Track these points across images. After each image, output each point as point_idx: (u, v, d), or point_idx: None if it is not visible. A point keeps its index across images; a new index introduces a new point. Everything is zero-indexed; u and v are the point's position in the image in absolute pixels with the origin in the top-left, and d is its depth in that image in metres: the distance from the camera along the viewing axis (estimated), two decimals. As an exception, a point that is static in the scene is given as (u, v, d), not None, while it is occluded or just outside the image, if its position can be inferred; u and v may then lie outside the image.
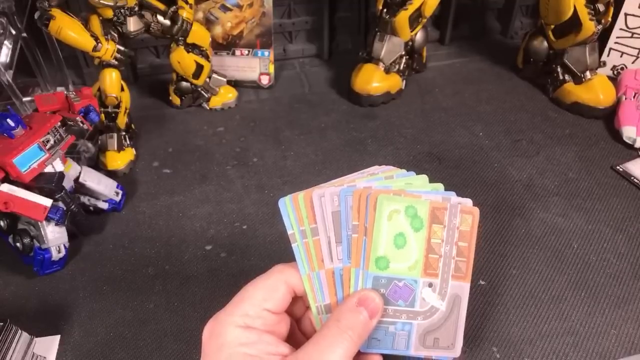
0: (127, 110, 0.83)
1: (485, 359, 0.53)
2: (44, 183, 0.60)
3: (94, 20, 0.77)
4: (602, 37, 0.90)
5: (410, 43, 0.94)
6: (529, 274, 0.61)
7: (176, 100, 0.93)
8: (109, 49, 0.77)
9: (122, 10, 0.77)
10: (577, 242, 0.65)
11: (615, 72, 0.96)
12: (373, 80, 0.91)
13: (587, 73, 0.88)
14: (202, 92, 0.92)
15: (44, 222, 0.61)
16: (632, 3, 0.90)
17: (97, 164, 0.79)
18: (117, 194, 0.72)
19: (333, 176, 0.39)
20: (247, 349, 0.33)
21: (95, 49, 0.76)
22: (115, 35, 0.79)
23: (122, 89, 0.82)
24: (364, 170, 0.39)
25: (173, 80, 0.92)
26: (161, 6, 0.80)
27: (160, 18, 0.81)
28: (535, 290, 0.60)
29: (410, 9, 0.86)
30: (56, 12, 0.72)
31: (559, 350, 0.53)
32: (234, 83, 0.98)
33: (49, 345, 0.55)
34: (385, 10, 0.89)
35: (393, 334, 0.35)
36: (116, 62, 0.79)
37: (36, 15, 0.72)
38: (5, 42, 0.81)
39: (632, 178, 0.74)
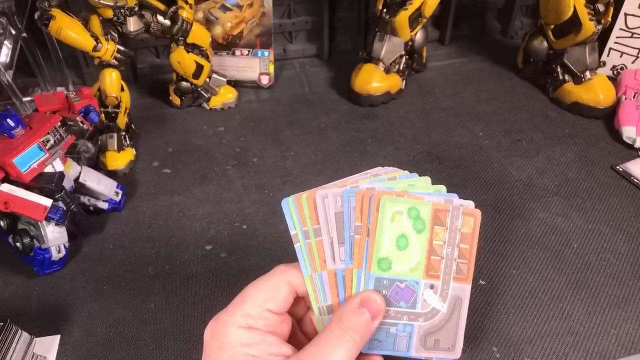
0: (127, 110, 0.83)
1: (485, 359, 0.53)
2: (44, 183, 0.60)
3: (94, 20, 0.77)
4: (602, 37, 0.90)
5: (410, 43, 0.94)
6: (529, 274, 0.61)
7: (176, 100, 0.93)
8: (109, 49, 0.77)
9: (122, 10, 0.77)
10: (577, 242, 0.65)
11: (615, 72, 0.96)
12: (373, 80, 0.91)
13: (587, 73, 0.88)
14: (202, 92, 0.92)
15: (44, 222, 0.61)
16: (632, 3, 0.90)
17: (97, 164, 0.79)
18: (117, 194, 0.72)
19: (333, 176, 0.39)
20: (249, 350, 0.33)
21: (95, 49, 0.75)
22: (115, 35, 0.79)
23: (122, 89, 0.82)
24: (367, 171, 0.39)
25: (173, 80, 0.92)
26: (161, 6, 0.80)
27: (160, 18, 0.81)
28: (535, 290, 0.60)
29: (410, 9, 0.86)
30: (56, 12, 0.71)
31: (559, 350, 0.53)
32: (234, 83, 0.98)
33: (49, 345, 0.55)
34: (385, 10, 0.89)
35: (394, 335, 0.35)
36: (116, 62, 0.79)
37: (36, 15, 0.72)
38: (5, 42, 0.81)
39: (632, 178, 0.74)
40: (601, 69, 0.90)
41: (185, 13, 0.81)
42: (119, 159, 0.78)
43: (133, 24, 0.80)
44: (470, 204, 0.36)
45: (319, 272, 0.35)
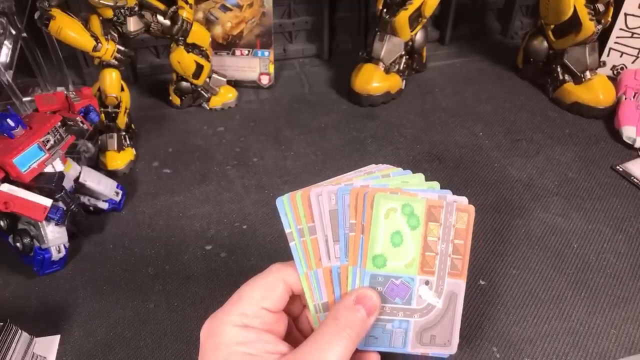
0: (127, 110, 0.83)
1: (485, 359, 0.53)
2: (44, 183, 0.60)
3: (94, 20, 0.77)
4: (602, 37, 0.90)
5: (410, 43, 0.94)
6: (529, 274, 0.61)
7: (176, 100, 0.93)
8: (109, 49, 0.77)
9: (122, 10, 0.77)
10: (577, 242, 0.65)
11: (615, 72, 0.96)
12: (373, 80, 0.91)
13: (587, 73, 0.88)
14: (202, 92, 0.92)
15: (44, 222, 0.61)
16: (632, 3, 0.90)
17: (97, 164, 0.79)
18: (117, 194, 0.72)
19: (333, 176, 0.39)
20: (245, 348, 0.33)
21: (95, 49, 0.76)
22: (115, 35, 0.79)
23: (122, 89, 0.82)
24: (361, 169, 0.39)
25: (173, 80, 0.92)
26: (161, 6, 0.80)
27: (160, 18, 0.81)
28: (535, 290, 0.59)
29: (410, 9, 0.86)
30: (56, 12, 0.72)
31: (559, 350, 0.53)
32: (234, 83, 0.98)
33: (49, 345, 0.55)
34: (385, 10, 0.89)
35: (390, 331, 0.35)
36: (116, 62, 0.79)
37: (36, 15, 0.72)
38: (5, 42, 0.81)
39: (632, 178, 0.74)
40: (601, 69, 0.90)
41: (185, 13, 0.82)
42: (119, 159, 0.78)
43: (133, 24, 0.80)
44: (463, 199, 0.36)
45: (314, 270, 0.35)
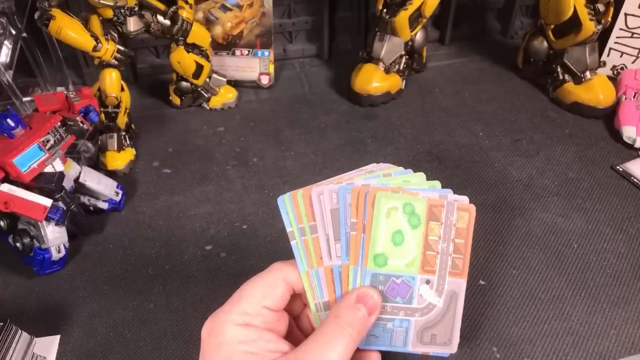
0: (127, 110, 0.83)
1: (485, 359, 0.53)
2: (44, 183, 0.60)
3: (94, 20, 0.77)
4: (602, 37, 0.90)
5: (410, 43, 0.94)
6: (529, 274, 0.61)
7: (176, 100, 0.93)
8: (109, 49, 0.77)
9: (122, 10, 0.77)
10: (577, 242, 0.65)
11: (615, 72, 0.96)
12: (373, 80, 0.91)
13: (587, 73, 0.88)
14: (202, 92, 0.92)
15: (44, 222, 0.61)
16: (632, 3, 0.90)
17: (97, 164, 0.79)
18: (117, 194, 0.72)
19: (333, 176, 0.39)
20: (246, 347, 0.33)
21: (95, 49, 0.76)
22: (115, 35, 0.79)
23: (122, 89, 0.82)
24: (362, 168, 0.39)
25: (173, 80, 0.92)
26: (161, 6, 0.80)
27: (160, 18, 0.81)
28: (535, 290, 0.59)
29: (410, 9, 0.86)
30: (56, 12, 0.72)
31: (559, 350, 0.53)
32: (234, 83, 0.98)
33: (49, 345, 0.55)
34: (385, 10, 0.89)
35: (391, 330, 0.35)
36: (116, 62, 0.79)
37: (36, 15, 0.72)
38: (5, 42, 0.81)
39: (632, 178, 0.74)
40: (601, 69, 0.90)
41: (185, 13, 0.82)
42: (119, 159, 0.78)
43: (133, 24, 0.80)
44: (464, 199, 0.36)
45: (316, 269, 0.35)
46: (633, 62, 0.94)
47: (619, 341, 0.54)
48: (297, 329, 0.39)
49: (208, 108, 0.94)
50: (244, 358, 0.32)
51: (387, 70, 0.93)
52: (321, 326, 0.33)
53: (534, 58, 0.96)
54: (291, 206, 0.35)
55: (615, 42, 0.95)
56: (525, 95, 0.95)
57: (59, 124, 0.62)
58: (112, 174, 0.76)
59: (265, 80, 0.99)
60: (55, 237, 0.62)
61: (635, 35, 0.92)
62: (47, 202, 0.59)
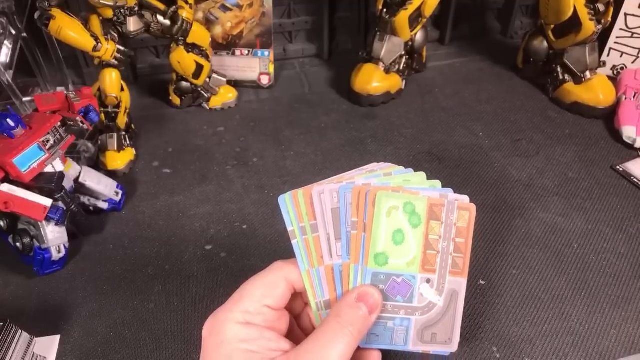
0: (127, 110, 0.83)
1: (485, 359, 0.53)
2: (44, 183, 0.60)
3: (94, 20, 0.77)
4: (602, 37, 0.90)
5: (410, 43, 0.95)
6: (529, 274, 0.61)
7: (176, 100, 0.93)
8: (109, 49, 0.77)
9: (122, 10, 0.77)
10: (577, 242, 0.65)
11: (615, 72, 0.96)
12: (373, 80, 0.91)
13: (587, 73, 0.88)
14: (202, 92, 0.92)
15: (44, 222, 0.61)
16: (632, 3, 0.90)
17: (97, 164, 0.79)
18: (117, 194, 0.72)
19: (333, 176, 0.39)
20: (247, 345, 0.33)
21: (95, 49, 0.76)
22: (115, 35, 0.79)
23: (122, 89, 0.82)
24: (363, 168, 0.39)
25: (173, 80, 0.92)
26: (161, 6, 0.80)
27: (160, 18, 0.81)
28: (535, 290, 0.59)
29: (410, 9, 0.86)
30: (56, 12, 0.72)
31: (559, 350, 0.53)
32: (234, 83, 0.98)
33: (49, 345, 0.55)
34: (385, 10, 0.89)
35: (392, 329, 0.35)
36: (116, 62, 0.79)
37: (36, 15, 0.72)
38: (5, 42, 0.81)
39: (632, 178, 0.74)
40: (601, 69, 0.90)
41: (185, 13, 0.82)
42: (119, 159, 0.78)
43: (133, 24, 0.80)
44: (465, 198, 0.36)
45: (316, 268, 0.35)
46: (633, 62, 0.94)
47: (619, 341, 0.54)
48: (297, 328, 0.39)
49: (208, 108, 0.94)
50: (245, 357, 0.33)
51: (387, 70, 0.93)
52: (322, 325, 0.33)
53: (534, 58, 0.96)
54: (292, 205, 0.36)
55: (615, 42, 0.95)
56: (525, 95, 0.95)
57: (59, 124, 0.62)
58: (112, 174, 0.76)
59: (265, 80, 0.99)
60: (55, 237, 0.62)
61: (635, 35, 0.92)
62: (47, 202, 0.59)
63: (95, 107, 0.67)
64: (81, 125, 0.65)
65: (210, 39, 0.90)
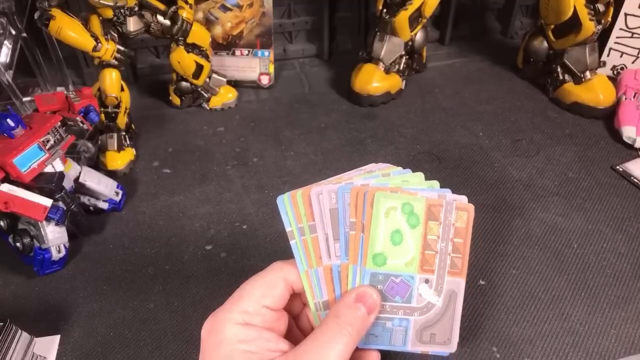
0: (127, 110, 0.83)
1: (485, 359, 0.53)
2: (44, 183, 0.60)
3: (94, 20, 0.77)
4: (602, 37, 0.90)
5: (410, 43, 0.95)
6: (529, 274, 0.61)
7: (176, 100, 0.93)
8: (109, 49, 0.77)
9: (122, 10, 0.78)
10: (577, 242, 0.65)
11: (615, 72, 0.96)
12: (373, 80, 0.91)
13: (587, 73, 0.88)
14: (202, 92, 0.92)
15: (44, 222, 0.61)
16: (632, 3, 0.90)
17: (97, 164, 0.79)
18: (117, 194, 0.72)
19: (333, 176, 0.39)
20: (246, 346, 0.33)
21: (95, 49, 0.76)
22: (115, 35, 0.79)
23: (122, 89, 0.82)
24: (361, 168, 0.39)
25: (173, 80, 0.92)
26: (161, 6, 0.80)
27: (160, 18, 0.81)
28: (535, 290, 0.59)
29: (410, 9, 0.86)
30: (56, 12, 0.72)
31: (559, 350, 0.53)
32: (234, 83, 0.98)
33: (49, 345, 0.55)
34: (385, 10, 0.89)
35: (390, 329, 0.35)
36: (116, 62, 0.79)
37: (36, 15, 0.72)
38: (5, 42, 0.81)
39: (632, 178, 0.74)
40: (601, 69, 0.90)
41: (185, 13, 0.82)
42: (119, 159, 0.78)
43: (133, 24, 0.80)
44: (463, 198, 0.36)
45: (315, 268, 0.35)
46: (633, 62, 0.94)
47: (619, 341, 0.54)
48: (296, 329, 0.39)
49: (208, 108, 0.94)
50: (243, 357, 0.33)
51: (387, 70, 0.93)
52: (321, 325, 0.33)
53: (534, 58, 0.96)
54: (290, 206, 0.36)
55: (615, 42, 0.95)
56: (525, 95, 0.95)
57: (59, 124, 0.62)
58: (112, 174, 0.76)
59: (265, 80, 0.99)
60: (55, 237, 0.62)
61: (635, 35, 0.92)
62: (47, 202, 0.59)
63: (95, 107, 0.68)
64: (81, 125, 0.65)
65: (210, 39, 0.90)
